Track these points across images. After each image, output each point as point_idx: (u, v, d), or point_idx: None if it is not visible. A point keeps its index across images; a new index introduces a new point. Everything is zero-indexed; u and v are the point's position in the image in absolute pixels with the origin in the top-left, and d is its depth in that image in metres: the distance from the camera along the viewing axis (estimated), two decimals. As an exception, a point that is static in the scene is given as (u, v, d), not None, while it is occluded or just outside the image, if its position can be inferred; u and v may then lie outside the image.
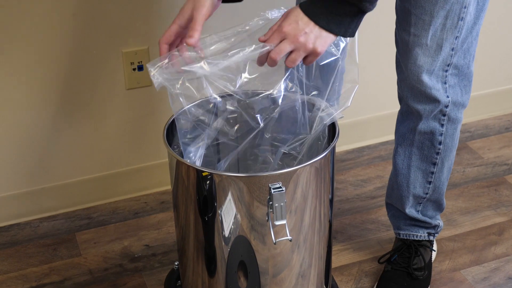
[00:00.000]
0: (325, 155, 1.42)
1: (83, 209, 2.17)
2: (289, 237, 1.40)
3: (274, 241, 1.38)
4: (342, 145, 2.41)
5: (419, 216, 1.82)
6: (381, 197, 2.18)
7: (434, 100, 1.64)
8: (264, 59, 1.38)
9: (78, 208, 2.17)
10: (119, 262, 1.97)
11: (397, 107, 1.79)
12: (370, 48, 2.27)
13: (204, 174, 1.38)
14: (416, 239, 1.85)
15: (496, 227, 2.07)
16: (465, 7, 1.55)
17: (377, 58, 2.28)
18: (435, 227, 1.85)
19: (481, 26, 1.64)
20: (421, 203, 1.80)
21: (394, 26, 1.69)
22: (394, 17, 1.68)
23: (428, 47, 1.58)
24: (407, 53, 1.62)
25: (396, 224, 1.87)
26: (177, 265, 1.68)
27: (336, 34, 1.37)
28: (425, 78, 1.61)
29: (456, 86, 1.65)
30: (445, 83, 1.63)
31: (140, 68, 2.05)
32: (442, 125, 1.68)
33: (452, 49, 1.59)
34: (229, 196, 1.39)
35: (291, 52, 1.37)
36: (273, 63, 1.38)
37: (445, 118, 1.68)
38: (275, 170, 1.37)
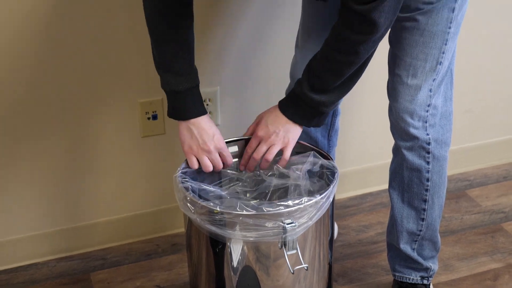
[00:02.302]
0: (322, 199, 1.54)
1: (98, 250, 2.27)
2: (305, 265, 1.53)
3: (291, 270, 1.52)
4: (345, 192, 2.51)
5: (414, 254, 1.91)
6: (382, 243, 2.28)
7: (413, 137, 1.77)
8: (248, 163, 1.73)
9: (93, 249, 2.27)
10: (131, 301, 2.07)
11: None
12: (372, 96, 2.38)
13: (215, 211, 1.50)
14: (410, 282, 1.95)
15: (491, 273, 2.15)
16: (443, 53, 1.70)
17: (379, 106, 2.39)
18: (427, 269, 1.94)
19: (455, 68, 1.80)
20: (416, 240, 1.90)
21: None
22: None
23: (408, 87, 1.73)
24: (392, 92, 1.77)
25: (392, 265, 1.97)
26: None
27: (300, 125, 1.66)
28: (407, 116, 1.75)
29: (437, 125, 1.78)
30: (426, 122, 1.76)
31: (155, 117, 2.16)
32: (427, 163, 1.80)
33: (430, 90, 1.73)
34: (237, 231, 1.50)
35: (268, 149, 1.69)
36: (255, 163, 1.72)
37: (430, 155, 1.80)
38: (281, 208, 1.51)
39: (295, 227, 1.48)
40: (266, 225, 1.48)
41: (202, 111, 1.69)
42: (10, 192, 2.13)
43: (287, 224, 1.48)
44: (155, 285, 2.12)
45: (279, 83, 2.16)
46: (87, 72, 2.05)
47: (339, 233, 2.33)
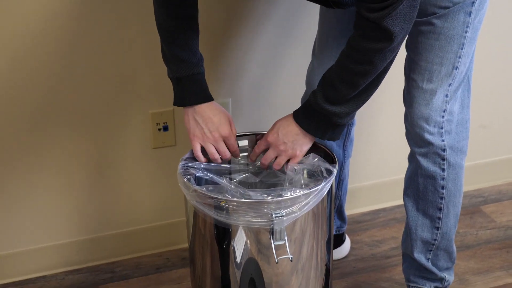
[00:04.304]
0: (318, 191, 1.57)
1: (107, 263, 2.24)
2: (290, 256, 1.55)
3: (276, 260, 1.54)
4: (358, 207, 2.48)
5: (428, 264, 1.88)
6: (396, 257, 2.24)
7: (428, 143, 1.74)
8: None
9: (102, 262, 2.24)
10: (140, 313, 2.04)
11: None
12: (388, 110, 2.37)
13: (221, 203, 1.53)
14: (424, 292, 1.92)
15: (507, 287, 2.11)
16: (459, 57, 1.68)
17: (394, 122, 2.37)
18: (442, 280, 1.90)
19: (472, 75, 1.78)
20: (431, 250, 1.87)
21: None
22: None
23: (423, 91, 1.71)
24: (407, 98, 1.76)
25: (407, 275, 1.94)
26: None
27: (314, 136, 1.64)
28: (422, 121, 1.73)
29: (453, 132, 1.75)
30: (441, 128, 1.74)
31: (166, 128, 2.15)
32: (443, 170, 1.77)
33: (446, 95, 1.71)
34: (229, 215, 1.54)
35: (276, 156, 1.68)
36: (264, 166, 1.72)
37: (445, 162, 1.76)
38: (278, 197, 1.55)
39: (283, 216, 1.51)
40: (254, 212, 1.51)
41: (205, 98, 1.68)
42: (18, 205, 2.12)
43: (275, 214, 1.50)
44: (165, 298, 2.10)
45: (292, 94, 2.15)
46: (98, 83, 2.04)
47: (352, 248, 2.29)
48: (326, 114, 1.61)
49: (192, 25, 1.66)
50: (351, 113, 1.63)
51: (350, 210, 2.43)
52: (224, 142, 1.70)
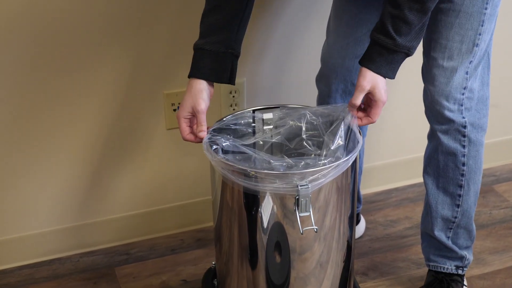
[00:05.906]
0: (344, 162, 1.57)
1: (122, 245, 2.24)
2: (315, 227, 1.56)
3: (301, 231, 1.55)
4: (371, 187, 2.48)
5: (449, 243, 1.88)
6: (411, 237, 2.24)
7: (449, 120, 1.75)
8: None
9: (116, 244, 2.24)
10: (158, 295, 2.04)
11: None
12: (401, 90, 2.35)
13: (251, 174, 1.54)
14: (444, 271, 1.91)
15: (524, 266, 2.12)
16: (479, 34, 1.68)
17: (407, 101, 2.36)
18: (462, 258, 1.91)
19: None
20: (451, 228, 1.87)
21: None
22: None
23: (444, 69, 1.70)
24: (427, 76, 1.75)
25: (426, 255, 1.94)
26: (214, 264, 1.82)
27: (390, 78, 1.59)
28: (442, 99, 1.73)
29: (473, 109, 1.76)
30: (462, 105, 1.74)
31: (180, 109, 2.13)
32: (463, 146, 1.78)
33: (467, 73, 1.71)
34: (254, 182, 1.55)
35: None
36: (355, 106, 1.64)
37: (466, 139, 1.77)
38: (303, 169, 1.58)
39: (307, 186, 1.52)
40: (279, 181, 1.52)
41: (199, 75, 1.62)
42: (33, 186, 2.11)
43: (300, 185, 1.51)
44: (182, 279, 2.09)
45: (306, 73, 2.14)
46: (112, 63, 2.03)
47: (366, 228, 2.29)
48: (403, 51, 1.56)
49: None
50: (419, 42, 1.60)
51: (362, 190, 2.43)
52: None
